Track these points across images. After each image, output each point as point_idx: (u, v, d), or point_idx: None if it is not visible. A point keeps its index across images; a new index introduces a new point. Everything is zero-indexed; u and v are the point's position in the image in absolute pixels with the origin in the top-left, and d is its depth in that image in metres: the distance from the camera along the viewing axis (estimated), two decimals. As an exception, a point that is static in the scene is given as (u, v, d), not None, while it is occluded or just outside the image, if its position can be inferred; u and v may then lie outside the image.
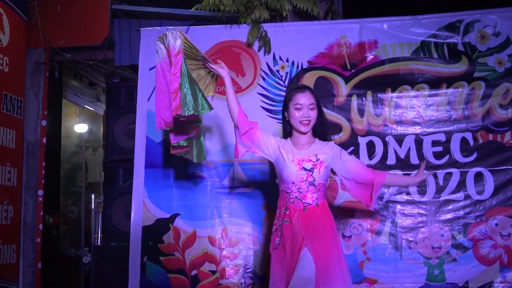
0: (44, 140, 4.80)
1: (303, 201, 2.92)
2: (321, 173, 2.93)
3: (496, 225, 3.85)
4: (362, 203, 3.06)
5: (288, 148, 3.01)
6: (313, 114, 2.99)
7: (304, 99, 2.98)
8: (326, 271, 2.80)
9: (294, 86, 3.27)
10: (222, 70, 3.13)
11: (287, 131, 3.11)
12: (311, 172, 2.92)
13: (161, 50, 3.20)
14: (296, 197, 2.93)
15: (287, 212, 2.95)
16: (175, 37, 3.07)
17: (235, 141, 3.11)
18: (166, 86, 3.18)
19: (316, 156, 2.95)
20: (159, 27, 4.43)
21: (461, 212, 3.89)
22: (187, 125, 3.32)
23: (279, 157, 3.00)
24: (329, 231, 2.91)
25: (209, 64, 3.21)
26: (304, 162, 2.94)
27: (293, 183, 2.93)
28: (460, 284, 3.80)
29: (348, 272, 2.91)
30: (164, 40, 3.16)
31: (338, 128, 4.07)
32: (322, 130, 3.08)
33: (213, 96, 3.44)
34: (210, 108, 3.16)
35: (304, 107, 2.96)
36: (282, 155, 2.99)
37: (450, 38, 4.07)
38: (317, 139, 3.04)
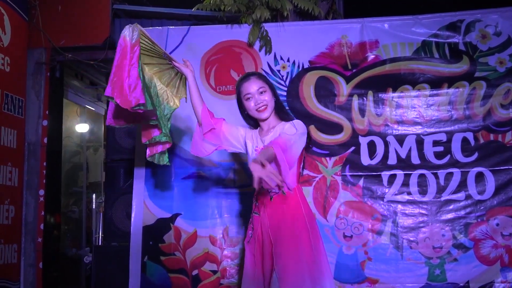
0: (45, 140, 4.80)
1: (269, 190, 2.75)
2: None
3: (497, 225, 3.85)
4: None
5: (254, 138, 2.92)
6: (267, 97, 2.85)
7: (251, 87, 2.86)
8: (285, 269, 2.65)
9: (239, 78, 3.11)
10: (186, 69, 3.02)
11: (252, 124, 3.01)
12: None
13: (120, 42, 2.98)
14: (262, 187, 2.66)
15: (257, 204, 2.86)
16: (133, 30, 2.93)
17: (195, 138, 3.03)
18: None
19: None
20: (160, 27, 4.43)
21: (462, 212, 3.89)
22: (145, 124, 3.17)
23: (246, 149, 2.93)
24: (299, 224, 2.72)
25: (173, 62, 3.10)
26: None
27: None
28: (461, 284, 3.80)
29: (323, 268, 2.72)
30: (124, 33, 2.97)
31: (339, 128, 4.07)
32: (282, 110, 2.93)
33: (186, 98, 3.26)
34: (153, 106, 2.97)
35: (254, 95, 2.84)
36: (247, 147, 2.92)
37: (451, 38, 4.07)
38: (282, 122, 2.86)
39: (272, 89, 2.92)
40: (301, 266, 2.67)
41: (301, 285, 2.63)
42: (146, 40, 3.00)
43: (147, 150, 3.25)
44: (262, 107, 2.85)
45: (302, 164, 2.91)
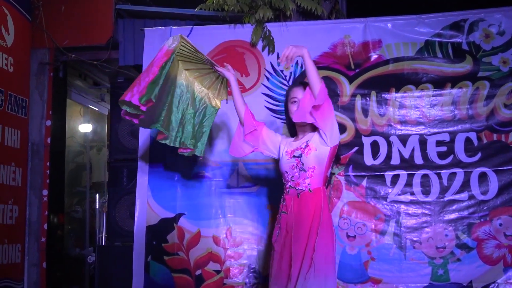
0: (49, 140, 4.81)
1: (297, 188, 2.97)
2: (310, 156, 2.94)
3: (500, 225, 3.85)
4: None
5: (288, 142, 3.11)
6: (305, 102, 2.97)
7: (298, 93, 3.03)
8: (304, 258, 2.82)
9: (291, 85, 3.35)
10: (228, 73, 3.28)
11: (292, 132, 3.19)
12: (300, 158, 2.97)
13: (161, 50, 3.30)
14: (290, 186, 3.01)
15: (284, 203, 3.03)
16: (173, 40, 3.25)
17: (235, 139, 3.23)
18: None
19: (306, 143, 3.00)
20: (163, 27, 4.43)
21: (465, 212, 3.88)
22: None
23: (279, 152, 3.11)
24: (318, 216, 2.88)
25: (216, 67, 3.34)
26: (295, 151, 3.01)
27: (287, 172, 3.02)
28: (464, 284, 3.80)
29: (333, 261, 2.89)
30: (168, 43, 3.29)
31: (342, 128, 4.06)
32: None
33: (227, 99, 3.57)
34: (161, 127, 3.31)
35: (299, 100, 3.00)
36: (280, 151, 3.10)
37: (454, 38, 4.06)
38: (316, 132, 3.02)
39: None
40: (318, 261, 2.81)
41: (314, 278, 2.78)
42: (189, 47, 3.29)
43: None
44: None
45: (330, 168, 3.07)
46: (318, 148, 2.96)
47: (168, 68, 3.21)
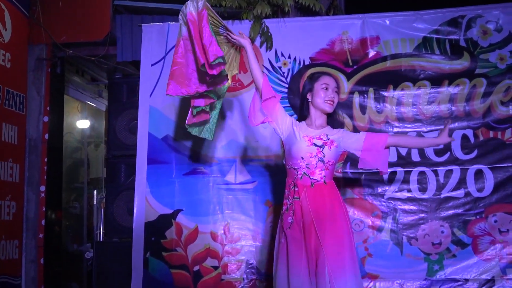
0: (46, 136, 4.79)
1: (311, 177, 2.96)
2: (332, 151, 2.97)
3: (495, 221, 3.87)
4: (379, 172, 3.10)
5: (301, 127, 3.08)
6: (336, 97, 3.07)
7: (331, 81, 3.07)
8: (337, 258, 2.82)
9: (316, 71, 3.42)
10: (244, 40, 3.20)
11: (304, 114, 3.14)
12: (322, 149, 2.97)
13: (182, 25, 3.26)
14: (304, 173, 2.97)
15: (296, 189, 2.98)
16: (197, 1, 3.16)
17: (251, 107, 3.15)
18: (186, 61, 3.27)
19: (327, 136, 3.01)
20: (161, 23, 4.42)
21: (461, 209, 3.91)
22: (205, 95, 3.40)
23: (291, 134, 3.06)
24: (338, 209, 2.93)
25: (231, 35, 3.25)
26: (315, 139, 2.99)
27: (302, 158, 2.96)
28: (460, 280, 3.82)
29: (356, 255, 2.95)
30: (184, 12, 3.21)
31: (340, 125, 4.05)
32: (335, 118, 3.15)
33: (237, 74, 3.46)
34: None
35: (330, 88, 3.04)
36: (294, 132, 3.05)
37: (452, 34, 4.06)
38: (329, 126, 3.09)
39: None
40: (342, 249, 2.85)
41: (343, 266, 2.82)
42: (209, 11, 3.18)
43: (189, 118, 3.44)
44: (330, 101, 3.03)
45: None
46: (338, 146, 3.01)
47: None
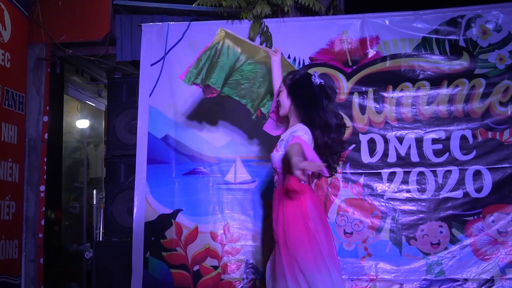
0: (46, 136, 4.80)
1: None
2: (274, 157, 3.11)
3: (493, 222, 3.87)
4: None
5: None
6: (281, 97, 3.17)
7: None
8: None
9: None
10: (274, 56, 3.43)
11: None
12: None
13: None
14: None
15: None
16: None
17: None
18: None
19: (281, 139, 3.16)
20: (161, 23, 4.42)
21: (460, 210, 3.90)
22: None
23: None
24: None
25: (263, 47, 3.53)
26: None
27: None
28: (459, 280, 3.82)
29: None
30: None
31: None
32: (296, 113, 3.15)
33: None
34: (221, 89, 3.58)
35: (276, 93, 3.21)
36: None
37: (451, 34, 4.06)
38: (301, 124, 3.08)
39: (292, 89, 3.14)
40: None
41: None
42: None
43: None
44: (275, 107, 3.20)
45: None
46: (278, 150, 3.14)
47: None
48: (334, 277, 2.84)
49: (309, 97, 3.09)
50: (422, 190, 3.95)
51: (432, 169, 3.94)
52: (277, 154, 3.07)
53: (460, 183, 3.91)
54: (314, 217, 2.94)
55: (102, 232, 5.07)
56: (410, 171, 3.95)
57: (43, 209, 4.72)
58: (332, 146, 3.06)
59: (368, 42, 4.12)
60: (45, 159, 4.77)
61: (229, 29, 4.24)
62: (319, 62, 4.14)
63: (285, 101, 3.15)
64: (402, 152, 3.99)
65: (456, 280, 3.83)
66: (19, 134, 4.61)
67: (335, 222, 3.97)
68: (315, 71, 3.27)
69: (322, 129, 3.03)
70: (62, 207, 5.42)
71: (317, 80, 3.13)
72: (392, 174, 3.97)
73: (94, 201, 5.65)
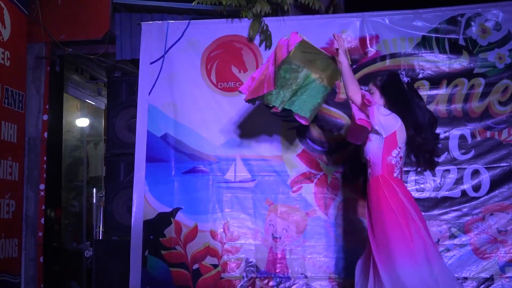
0: (46, 135, 4.79)
1: None
2: (367, 148, 3.27)
3: (493, 220, 3.88)
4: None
5: None
6: (374, 98, 3.26)
7: None
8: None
9: None
10: (342, 58, 3.29)
11: None
12: None
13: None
14: None
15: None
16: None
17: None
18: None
19: None
20: (160, 21, 4.42)
21: (458, 209, 3.91)
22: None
23: None
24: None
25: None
26: None
27: None
28: (459, 278, 3.82)
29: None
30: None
31: (339, 125, 4.07)
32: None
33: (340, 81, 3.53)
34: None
35: None
36: None
37: (451, 33, 4.05)
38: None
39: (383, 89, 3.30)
40: None
41: None
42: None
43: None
44: None
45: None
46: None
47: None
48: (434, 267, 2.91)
49: (401, 95, 3.15)
50: (420, 190, 3.95)
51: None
52: (370, 144, 3.14)
53: (459, 182, 3.92)
54: (409, 208, 3.01)
55: (102, 230, 5.07)
56: (409, 171, 3.94)
57: (43, 207, 4.72)
58: (421, 145, 3.11)
59: (368, 41, 4.12)
60: (45, 158, 4.77)
61: (228, 28, 4.29)
62: (319, 60, 4.13)
63: (379, 102, 3.19)
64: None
65: (456, 279, 3.83)
66: (18, 133, 4.61)
67: (335, 221, 3.98)
68: (401, 70, 3.26)
69: (415, 128, 3.09)
70: (62, 205, 5.41)
71: (405, 78, 3.17)
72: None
73: (94, 200, 5.64)
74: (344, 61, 3.24)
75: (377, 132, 3.12)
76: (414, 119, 3.09)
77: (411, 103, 3.12)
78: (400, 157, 3.12)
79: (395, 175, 3.10)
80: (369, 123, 3.12)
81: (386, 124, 3.08)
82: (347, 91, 3.21)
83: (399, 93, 3.15)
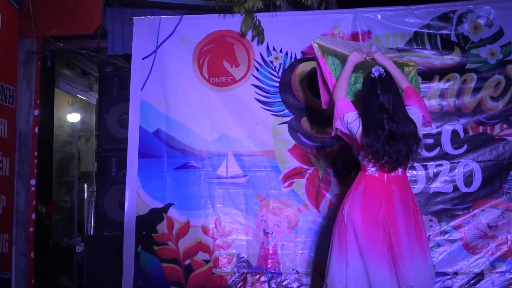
0: (37, 130, 4.76)
1: None
2: None
3: (483, 216, 3.90)
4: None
5: None
6: None
7: None
8: None
9: None
10: (351, 55, 3.28)
11: None
12: None
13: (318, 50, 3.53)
14: None
15: None
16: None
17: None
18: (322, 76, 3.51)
19: None
20: (152, 16, 4.40)
21: (450, 204, 3.94)
22: None
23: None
24: None
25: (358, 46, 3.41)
26: None
27: None
28: (450, 273, 3.85)
29: None
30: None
31: (331, 120, 4.05)
32: None
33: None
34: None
35: None
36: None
37: (443, 29, 4.07)
38: None
39: None
40: None
41: None
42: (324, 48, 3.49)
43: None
44: None
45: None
46: None
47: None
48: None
49: (362, 97, 3.14)
50: (412, 184, 3.96)
51: (423, 163, 3.96)
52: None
53: (450, 177, 3.94)
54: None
55: (93, 226, 5.06)
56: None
57: (34, 203, 4.69)
58: (370, 146, 3.00)
59: (360, 37, 4.13)
60: (36, 153, 4.74)
61: (221, 23, 4.28)
62: (311, 56, 4.13)
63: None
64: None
65: (446, 274, 3.86)
66: (9, 128, 4.57)
67: (326, 215, 3.99)
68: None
69: (366, 131, 3.06)
70: (53, 201, 5.40)
71: (376, 74, 3.09)
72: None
73: (85, 195, 5.63)
74: (349, 63, 3.25)
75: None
76: (365, 121, 2.99)
77: (366, 103, 3.02)
78: (369, 159, 3.02)
79: (368, 172, 3.04)
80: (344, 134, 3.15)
81: (351, 129, 3.03)
82: (334, 91, 3.20)
83: (362, 95, 3.12)
